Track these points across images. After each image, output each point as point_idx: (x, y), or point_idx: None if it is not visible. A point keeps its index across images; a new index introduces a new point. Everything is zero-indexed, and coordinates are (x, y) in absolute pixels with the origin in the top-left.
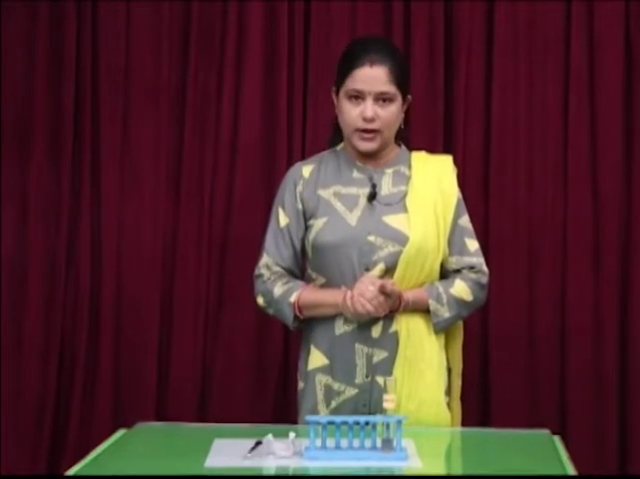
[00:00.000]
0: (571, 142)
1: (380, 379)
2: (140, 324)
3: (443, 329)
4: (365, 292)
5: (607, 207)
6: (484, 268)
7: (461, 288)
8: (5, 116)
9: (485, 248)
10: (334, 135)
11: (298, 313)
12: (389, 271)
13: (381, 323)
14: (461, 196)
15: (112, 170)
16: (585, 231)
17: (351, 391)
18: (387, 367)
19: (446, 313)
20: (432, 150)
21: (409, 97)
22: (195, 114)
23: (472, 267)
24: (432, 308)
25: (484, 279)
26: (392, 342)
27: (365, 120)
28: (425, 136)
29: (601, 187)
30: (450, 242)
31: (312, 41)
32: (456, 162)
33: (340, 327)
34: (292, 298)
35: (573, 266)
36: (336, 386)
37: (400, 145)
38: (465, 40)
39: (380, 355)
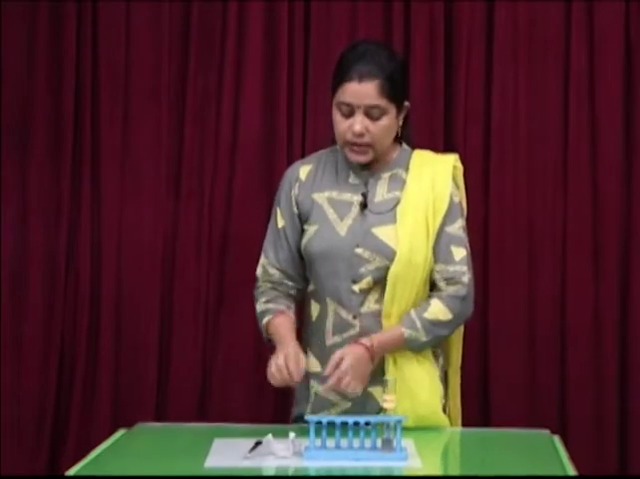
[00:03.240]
0: (571, 142)
1: (372, 390)
2: (140, 324)
3: (422, 349)
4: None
5: (607, 207)
6: (464, 279)
7: (436, 310)
8: (5, 116)
9: (486, 249)
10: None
11: (269, 337)
12: (376, 284)
13: None
14: (457, 199)
15: (112, 170)
16: (585, 231)
17: (345, 405)
18: (379, 378)
19: (422, 338)
20: (432, 150)
21: (406, 104)
22: (195, 114)
23: (451, 279)
24: (406, 336)
25: (464, 291)
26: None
27: (354, 134)
28: (425, 136)
29: (601, 187)
30: (434, 250)
31: (312, 41)
32: None
33: (330, 338)
34: (265, 320)
35: (573, 266)
36: (330, 396)
37: (401, 143)
38: (465, 40)
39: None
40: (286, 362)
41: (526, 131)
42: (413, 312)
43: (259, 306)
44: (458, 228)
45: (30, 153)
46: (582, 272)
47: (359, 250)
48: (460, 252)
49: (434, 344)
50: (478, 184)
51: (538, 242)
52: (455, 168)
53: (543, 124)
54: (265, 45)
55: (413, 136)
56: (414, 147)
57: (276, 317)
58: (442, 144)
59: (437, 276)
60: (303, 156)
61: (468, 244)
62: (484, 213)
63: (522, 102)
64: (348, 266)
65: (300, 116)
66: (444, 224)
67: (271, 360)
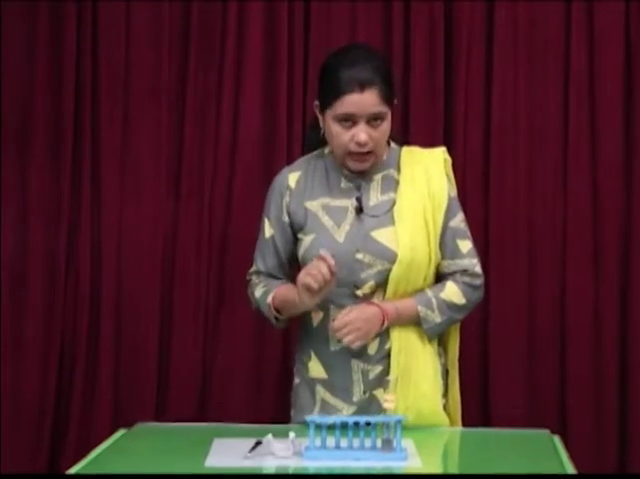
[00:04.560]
0: (571, 142)
1: (377, 393)
2: (140, 324)
3: (436, 334)
4: (312, 268)
5: (607, 207)
6: (477, 269)
7: (452, 292)
8: (5, 116)
9: (486, 248)
10: (312, 137)
11: (276, 314)
12: (379, 287)
13: (377, 341)
14: (454, 193)
15: (112, 170)
16: (585, 231)
17: (350, 410)
18: (383, 382)
19: (437, 318)
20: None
21: (395, 101)
22: (195, 114)
23: (464, 271)
24: (422, 315)
25: (478, 281)
26: (388, 358)
27: (359, 144)
28: (425, 136)
29: (601, 187)
30: (441, 246)
31: (312, 41)
32: (455, 162)
33: (334, 344)
34: (269, 299)
35: (573, 266)
36: (334, 403)
37: (389, 143)
38: (465, 40)
39: (375, 371)
40: (318, 265)
41: (526, 131)
42: (429, 292)
43: (258, 292)
44: (460, 221)
45: (30, 153)
46: (582, 272)
47: (359, 256)
48: (466, 245)
49: (446, 328)
50: (478, 184)
51: (538, 242)
52: (445, 161)
53: (543, 124)
54: (265, 45)
55: (411, 136)
56: (402, 143)
57: (280, 288)
58: (442, 144)
59: (446, 271)
60: (303, 155)
61: (470, 235)
62: (484, 213)
63: (522, 102)
64: (349, 273)
65: (300, 116)
66: (447, 219)
67: (302, 274)
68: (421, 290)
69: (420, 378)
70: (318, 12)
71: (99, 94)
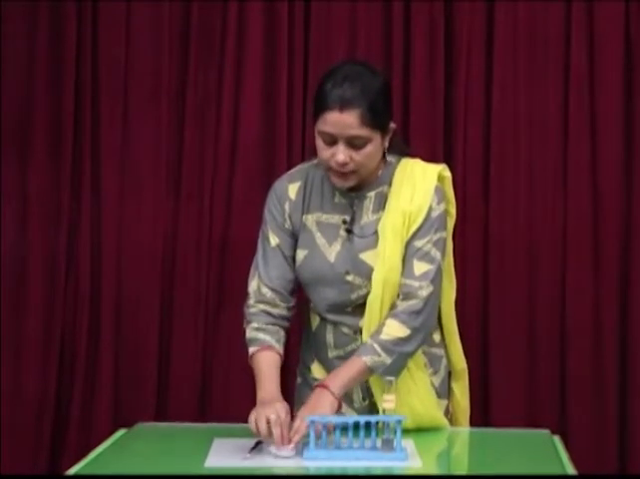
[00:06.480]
0: (571, 142)
1: (376, 400)
2: (140, 324)
3: (394, 375)
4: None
5: (607, 207)
6: (420, 293)
7: (391, 329)
8: (5, 116)
9: (485, 249)
10: None
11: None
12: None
13: None
14: (437, 212)
15: (112, 170)
16: (585, 231)
17: (352, 414)
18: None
19: (387, 360)
20: (432, 150)
21: (392, 126)
22: (195, 114)
23: (407, 293)
24: (369, 364)
25: (419, 305)
26: None
27: (337, 164)
28: (425, 136)
29: (601, 187)
30: (402, 263)
31: (312, 41)
32: (456, 162)
33: (331, 351)
34: (250, 351)
35: (573, 266)
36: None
37: (385, 158)
38: (465, 40)
39: (373, 379)
40: (274, 428)
41: (526, 131)
42: (369, 339)
43: (249, 332)
44: (427, 242)
45: (30, 153)
46: (582, 273)
47: (349, 278)
48: (421, 267)
49: (403, 364)
50: (478, 184)
51: (538, 242)
52: (443, 178)
53: (543, 124)
54: (265, 45)
55: (411, 137)
56: (403, 153)
57: (262, 351)
58: (442, 144)
59: (398, 291)
60: (303, 155)
61: (437, 259)
62: (484, 213)
63: (522, 102)
64: (340, 292)
65: (300, 116)
66: (413, 237)
67: (259, 412)
68: (362, 343)
69: (410, 398)
70: (318, 12)
71: (99, 94)
